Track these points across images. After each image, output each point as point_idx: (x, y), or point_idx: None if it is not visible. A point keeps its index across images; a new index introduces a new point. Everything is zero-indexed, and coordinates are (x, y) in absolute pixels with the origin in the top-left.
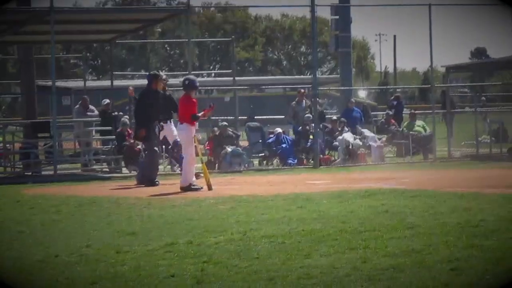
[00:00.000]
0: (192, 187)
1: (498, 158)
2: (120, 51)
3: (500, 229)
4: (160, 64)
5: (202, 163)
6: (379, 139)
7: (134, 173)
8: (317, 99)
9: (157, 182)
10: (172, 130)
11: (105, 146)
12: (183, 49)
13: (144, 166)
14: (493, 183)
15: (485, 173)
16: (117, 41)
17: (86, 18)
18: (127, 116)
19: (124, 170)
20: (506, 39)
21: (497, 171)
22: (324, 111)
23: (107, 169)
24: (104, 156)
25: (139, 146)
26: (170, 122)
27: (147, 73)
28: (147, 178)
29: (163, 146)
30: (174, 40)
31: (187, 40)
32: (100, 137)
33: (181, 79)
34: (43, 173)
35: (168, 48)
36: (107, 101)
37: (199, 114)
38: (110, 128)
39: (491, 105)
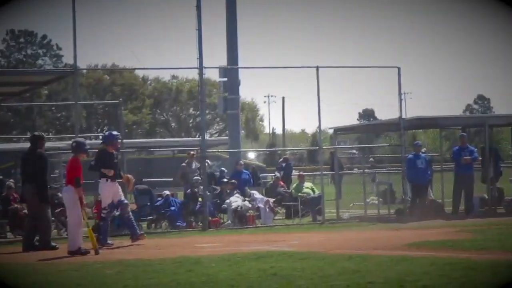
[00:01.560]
0: (80, 251)
1: (386, 220)
2: (6, 114)
3: None
4: (47, 126)
5: (88, 227)
6: (268, 201)
7: (19, 237)
8: (206, 161)
9: (56, 246)
10: (119, 188)
11: None
12: (70, 111)
13: (40, 230)
14: (381, 245)
15: (373, 235)
16: (2, 104)
17: None
18: (12, 180)
19: (9, 234)
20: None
21: (385, 233)
22: (215, 173)
23: None
24: None
25: (25, 211)
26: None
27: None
28: (44, 242)
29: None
30: (61, 102)
31: (74, 102)
32: None
33: (69, 142)
34: None
35: (55, 110)
36: None
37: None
38: None
39: (379, 166)
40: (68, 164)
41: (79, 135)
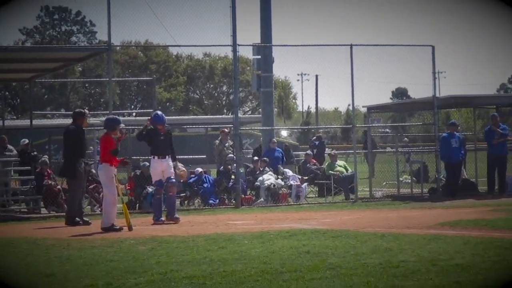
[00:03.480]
0: (113, 227)
1: (419, 199)
2: (40, 90)
3: (421, 270)
4: (81, 103)
5: (122, 203)
6: (301, 179)
7: (53, 213)
8: (239, 138)
9: (79, 222)
10: (170, 166)
11: (24, 186)
12: (104, 88)
13: (66, 204)
14: (414, 224)
15: (406, 213)
16: (36, 80)
17: (4, 56)
18: (46, 156)
19: (44, 210)
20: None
21: (418, 212)
22: (245, 150)
23: (26, 210)
24: (22, 196)
25: (59, 187)
26: (168, 157)
27: (68, 112)
28: (67, 217)
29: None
30: (95, 79)
31: (108, 79)
32: (19, 177)
33: (102, 118)
34: None
35: (88, 87)
36: (26, 140)
37: (116, 148)
38: (29, 168)
39: (413, 145)
40: (101, 142)
41: (113, 111)
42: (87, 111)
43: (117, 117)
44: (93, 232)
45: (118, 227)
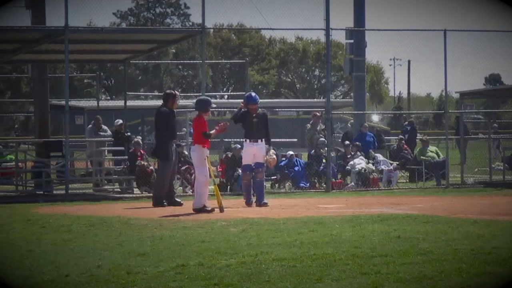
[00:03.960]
0: (205, 209)
1: (511, 186)
2: (134, 72)
3: None
4: (174, 85)
5: (214, 184)
6: (392, 164)
7: (145, 193)
8: (331, 122)
9: (165, 203)
10: (262, 150)
11: (117, 166)
12: (196, 70)
13: (154, 185)
14: (506, 211)
15: (498, 200)
16: (130, 61)
17: (100, 38)
18: (139, 137)
19: (136, 190)
20: None
21: (510, 199)
22: (336, 134)
23: (119, 190)
24: (116, 176)
25: (151, 167)
26: (262, 141)
27: (161, 93)
28: (155, 198)
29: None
30: (188, 61)
31: (201, 61)
32: (113, 157)
33: (194, 100)
34: (54, 192)
35: (181, 69)
36: (120, 121)
37: (211, 132)
38: (122, 148)
39: (505, 132)
40: (194, 123)
41: (205, 94)
42: (177, 93)
43: (208, 98)
44: (185, 213)
45: (209, 209)
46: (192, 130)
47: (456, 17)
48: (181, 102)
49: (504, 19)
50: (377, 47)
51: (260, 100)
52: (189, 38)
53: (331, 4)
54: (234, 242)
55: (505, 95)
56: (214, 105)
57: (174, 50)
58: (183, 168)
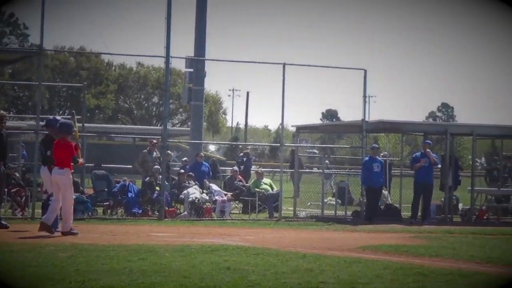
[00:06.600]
0: (72, 231)
1: (342, 221)
2: None
3: None
4: (8, 105)
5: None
6: (226, 194)
7: None
8: (168, 151)
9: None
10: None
11: None
12: (33, 91)
13: None
14: (336, 246)
15: (329, 235)
16: None
17: None
18: None
19: None
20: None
21: (341, 234)
22: (172, 162)
23: None
24: None
25: None
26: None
27: None
28: None
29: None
30: (24, 82)
31: (37, 83)
32: None
33: (29, 122)
34: None
35: (17, 90)
36: None
37: (80, 160)
38: None
39: (339, 167)
40: (59, 146)
41: (41, 116)
42: (5, 113)
43: (70, 121)
44: (14, 237)
45: (76, 232)
46: (48, 153)
47: (296, 52)
48: (15, 123)
49: (345, 56)
50: (217, 78)
51: (97, 125)
52: (26, 59)
53: (173, 32)
54: (62, 267)
55: (341, 131)
56: (75, 128)
57: (10, 70)
58: (14, 190)
